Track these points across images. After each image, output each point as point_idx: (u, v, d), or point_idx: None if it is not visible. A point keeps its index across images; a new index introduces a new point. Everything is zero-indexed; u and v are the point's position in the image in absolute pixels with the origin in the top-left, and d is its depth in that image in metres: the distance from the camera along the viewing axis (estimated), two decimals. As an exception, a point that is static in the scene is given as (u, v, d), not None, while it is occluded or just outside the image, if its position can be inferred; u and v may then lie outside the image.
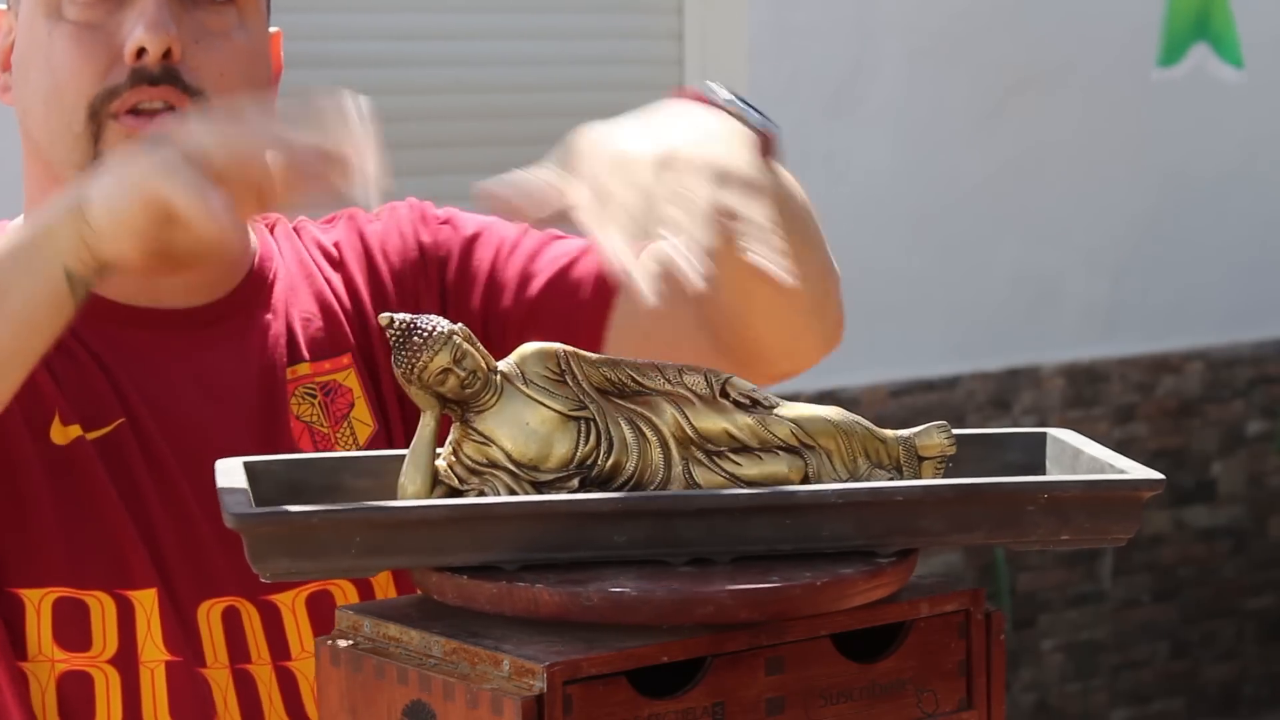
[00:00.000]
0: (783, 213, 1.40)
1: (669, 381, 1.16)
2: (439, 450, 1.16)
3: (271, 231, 1.62)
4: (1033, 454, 1.24)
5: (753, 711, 1.07)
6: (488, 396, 1.14)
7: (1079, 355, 4.99)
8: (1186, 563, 5.24)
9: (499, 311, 1.61)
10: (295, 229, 1.64)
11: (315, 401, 1.55)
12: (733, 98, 1.37)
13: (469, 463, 1.13)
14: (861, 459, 1.18)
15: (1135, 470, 1.16)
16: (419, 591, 1.14)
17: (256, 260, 1.58)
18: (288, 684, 1.49)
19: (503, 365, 1.15)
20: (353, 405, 1.56)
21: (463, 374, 1.13)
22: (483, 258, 1.63)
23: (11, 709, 1.43)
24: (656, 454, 1.15)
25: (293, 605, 1.49)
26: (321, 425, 1.54)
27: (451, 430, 1.15)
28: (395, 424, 1.57)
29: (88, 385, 1.49)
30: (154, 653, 1.45)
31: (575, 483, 1.13)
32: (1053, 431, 1.25)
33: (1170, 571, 5.21)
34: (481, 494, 1.13)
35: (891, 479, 1.18)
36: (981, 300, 4.81)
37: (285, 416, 1.53)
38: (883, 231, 4.55)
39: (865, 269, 4.46)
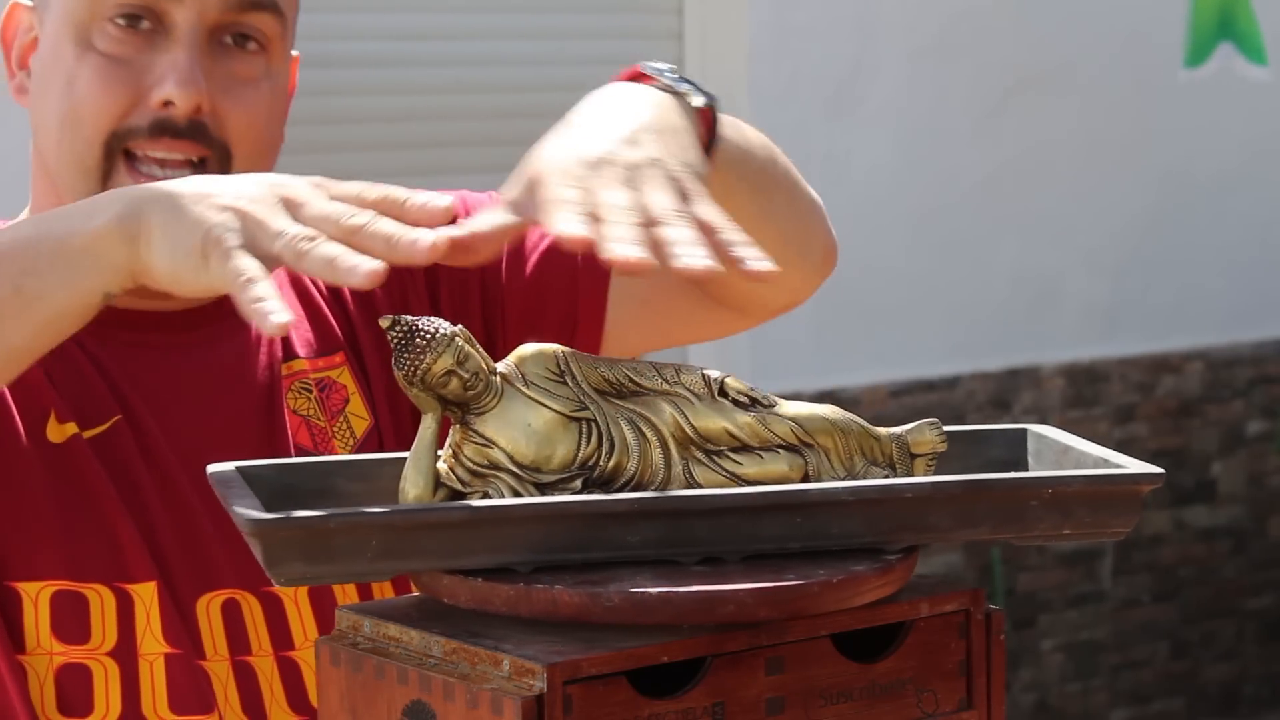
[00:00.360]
0: (742, 172, 1.43)
1: (666, 381, 1.16)
2: (438, 453, 1.16)
3: None
4: (1015, 450, 1.25)
5: (753, 711, 1.07)
6: (488, 398, 1.13)
7: (1079, 355, 4.99)
8: (1186, 563, 5.24)
9: (500, 288, 1.62)
10: None
11: (311, 396, 1.55)
12: (670, 75, 1.40)
13: (470, 465, 1.13)
14: (858, 456, 1.18)
15: (1134, 464, 1.17)
16: (415, 592, 1.14)
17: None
18: (290, 674, 1.49)
19: (501, 366, 1.15)
20: (347, 401, 1.57)
21: (466, 376, 1.12)
22: None
23: (14, 701, 1.43)
24: (657, 454, 1.15)
25: (295, 596, 1.49)
26: (319, 419, 1.55)
27: (451, 432, 1.15)
28: (385, 421, 1.57)
29: (84, 384, 1.49)
30: (153, 645, 1.45)
31: (578, 484, 1.13)
32: (1033, 428, 1.26)
33: (1170, 571, 5.21)
34: (485, 496, 1.12)
35: (887, 476, 1.18)
36: (981, 300, 4.81)
37: (282, 410, 1.54)
38: (883, 231, 4.55)
39: (865, 269, 4.46)
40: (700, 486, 1.15)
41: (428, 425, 1.14)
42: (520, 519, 1.09)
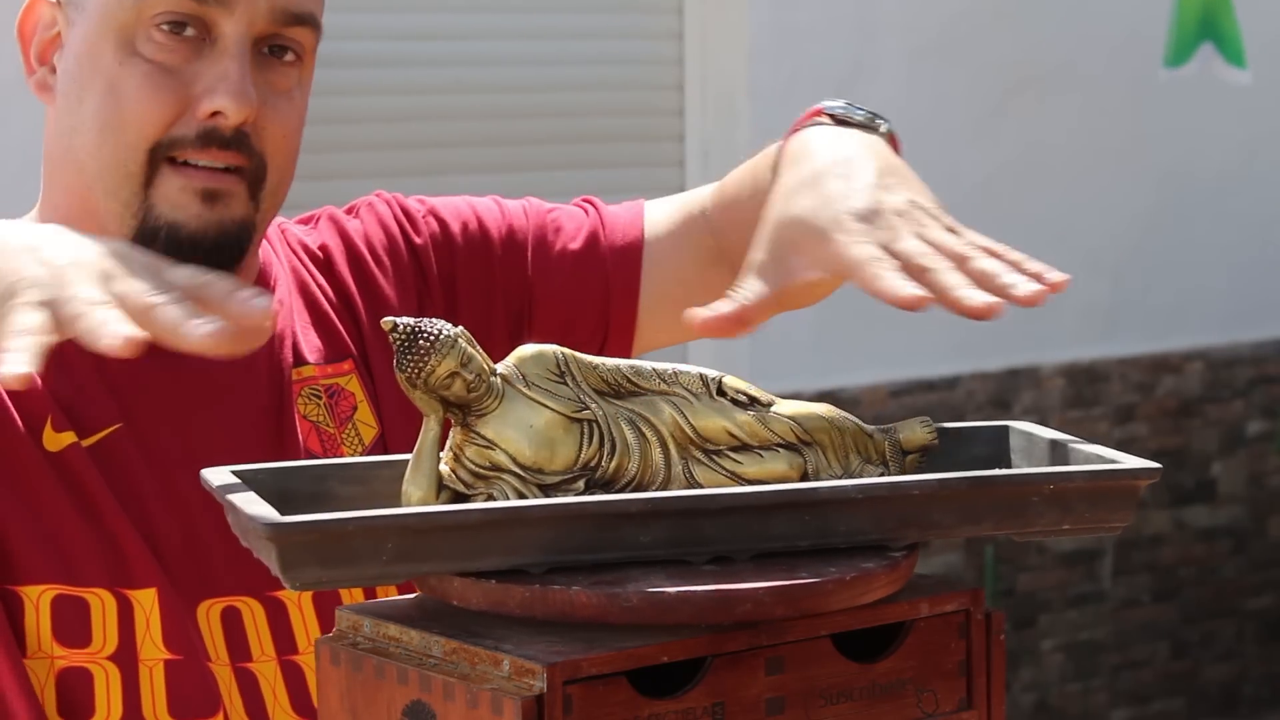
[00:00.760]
0: None
1: (664, 381, 1.16)
2: (439, 455, 1.15)
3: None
4: (997, 446, 1.26)
5: (753, 711, 1.07)
6: (490, 400, 1.13)
7: (1079, 355, 4.99)
8: (1186, 563, 5.24)
9: (528, 297, 1.63)
10: (280, 230, 1.64)
11: (320, 402, 1.55)
12: (851, 107, 1.46)
13: (473, 467, 1.13)
14: (853, 454, 1.19)
15: (1131, 460, 1.18)
16: (417, 592, 1.14)
17: (260, 265, 1.59)
18: (294, 678, 1.49)
19: (501, 368, 1.15)
20: (355, 408, 1.57)
21: (470, 377, 1.12)
22: (492, 241, 1.65)
23: (16, 705, 1.43)
24: (657, 454, 1.15)
25: (299, 601, 1.49)
26: (328, 425, 1.55)
27: (451, 434, 1.15)
28: (393, 430, 1.57)
29: (81, 393, 1.48)
30: (153, 651, 1.45)
31: (580, 485, 1.13)
32: (1015, 424, 1.27)
33: (1170, 571, 5.21)
34: (490, 498, 1.12)
35: (882, 474, 1.19)
36: (981, 300, 4.80)
37: (292, 416, 1.54)
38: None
39: (865, 269, 4.45)
40: (700, 486, 1.15)
41: (430, 427, 1.13)
42: (535, 520, 1.08)
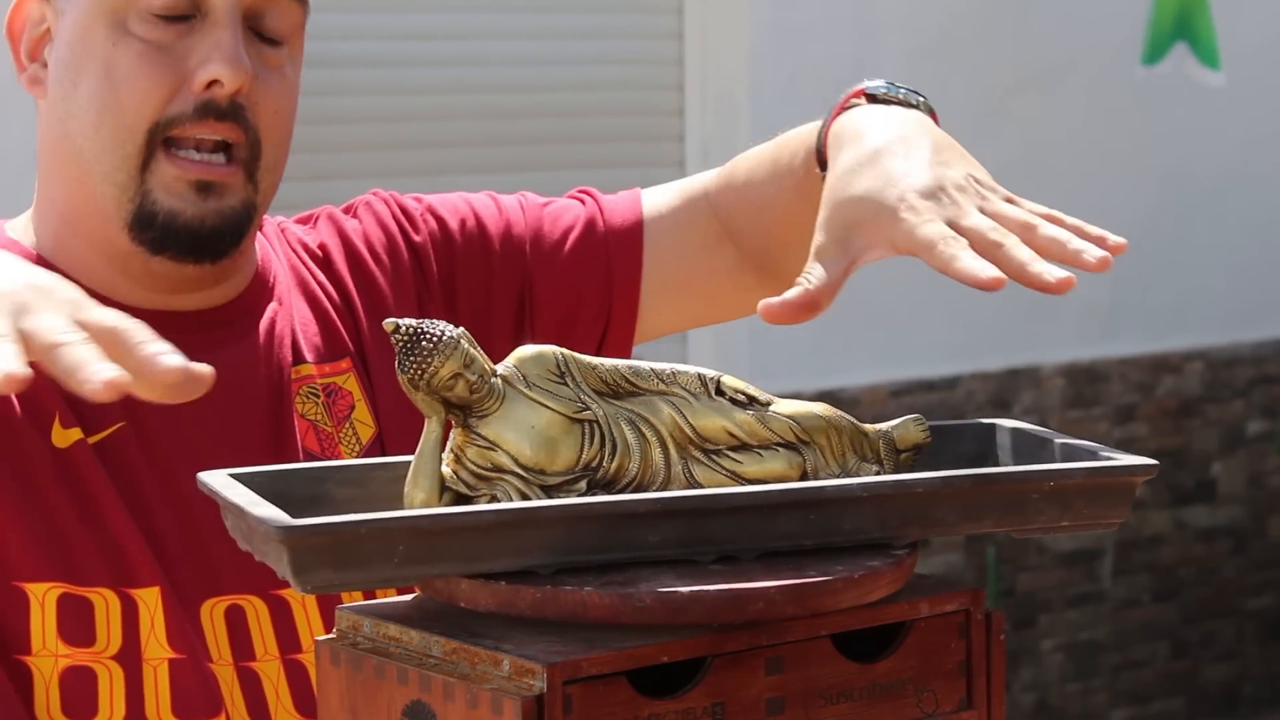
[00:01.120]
0: None
1: (663, 381, 1.16)
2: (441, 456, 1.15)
3: (261, 230, 1.63)
4: (984, 444, 1.27)
5: (753, 711, 1.07)
6: (491, 401, 1.13)
7: (1079, 355, 4.99)
8: (1186, 563, 5.24)
9: (529, 288, 1.63)
10: (280, 228, 1.64)
11: (319, 401, 1.56)
12: (892, 85, 1.49)
13: (474, 468, 1.13)
14: (850, 453, 1.19)
15: (1127, 457, 1.18)
16: (417, 593, 1.14)
17: (260, 262, 1.59)
18: (297, 676, 1.49)
19: (501, 368, 1.14)
20: (353, 408, 1.57)
21: (472, 378, 1.12)
22: (490, 238, 1.65)
23: (18, 703, 1.43)
24: (657, 454, 1.15)
25: (302, 600, 1.49)
26: (325, 424, 1.55)
27: (452, 436, 1.14)
28: (391, 430, 1.57)
29: None
30: (157, 650, 1.45)
31: (582, 485, 1.13)
32: (1001, 422, 1.28)
33: (1170, 571, 5.21)
34: (493, 499, 1.12)
35: (878, 472, 1.20)
36: (981, 300, 4.80)
37: (291, 414, 1.54)
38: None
39: (865, 269, 4.45)
40: (700, 486, 1.15)
41: (431, 429, 1.13)
42: (546, 521, 1.08)
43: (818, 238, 1.30)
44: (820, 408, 1.19)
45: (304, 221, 1.67)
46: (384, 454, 1.55)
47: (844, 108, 1.49)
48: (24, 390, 1.43)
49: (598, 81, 4.40)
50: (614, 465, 1.14)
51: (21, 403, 1.46)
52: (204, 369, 1.13)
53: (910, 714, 1.13)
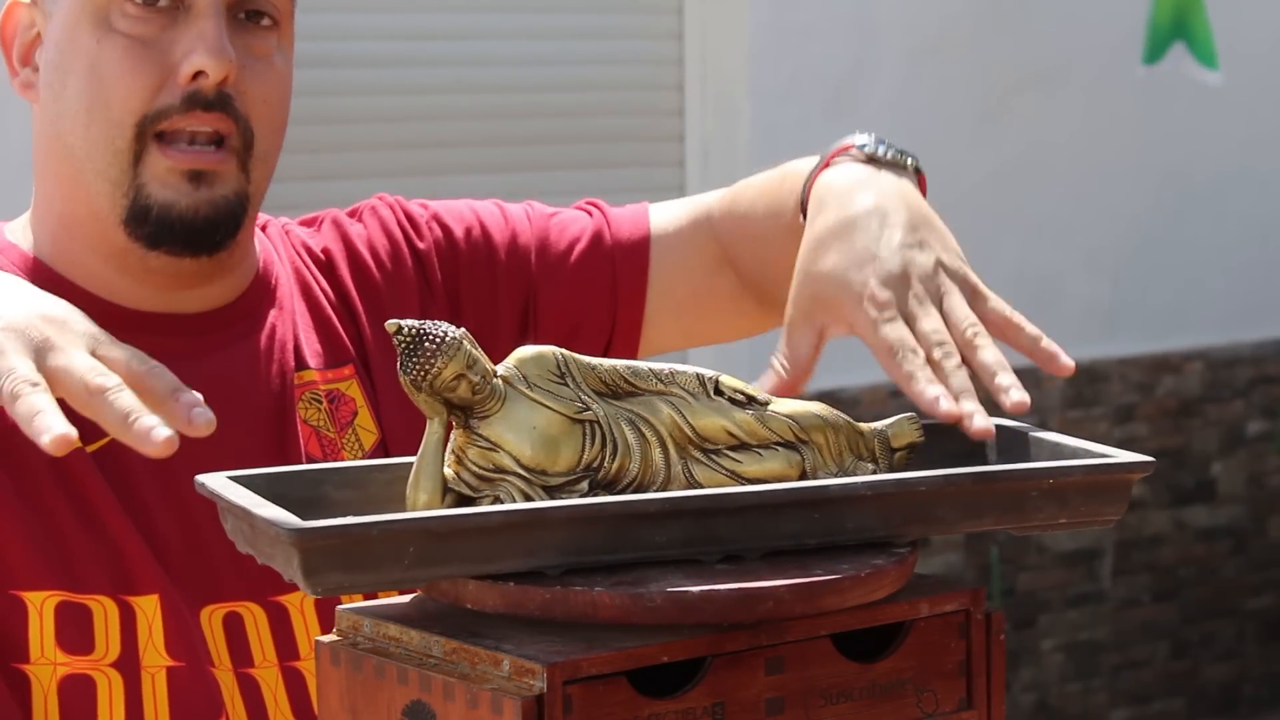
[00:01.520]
0: None
1: (661, 382, 1.16)
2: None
3: (265, 232, 1.62)
4: (971, 442, 1.27)
5: (753, 711, 1.07)
6: (493, 402, 1.13)
7: (1079, 355, 4.97)
8: (1186, 563, 5.24)
9: (534, 298, 1.63)
10: (284, 230, 1.64)
11: (321, 408, 1.55)
12: (881, 144, 1.49)
13: (476, 469, 1.13)
14: (847, 452, 1.20)
15: (1124, 454, 1.19)
16: (417, 594, 1.14)
17: (261, 264, 1.59)
18: (295, 684, 1.49)
19: (501, 369, 1.14)
20: (356, 414, 1.56)
21: (475, 379, 1.12)
22: (496, 246, 1.65)
23: (16, 712, 1.43)
24: (657, 454, 1.15)
25: (301, 606, 1.49)
26: (328, 430, 1.55)
27: (453, 437, 1.14)
28: (394, 435, 1.57)
29: None
30: (155, 658, 1.45)
31: (584, 485, 1.13)
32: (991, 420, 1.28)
33: (1170, 571, 5.21)
34: (497, 500, 1.12)
35: (874, 470, 1.20)
36: (981, 300, 4.80)
37: (294, 420, 1.53)
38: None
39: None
40: (700, 486, 1.15)
41: (433, 430, 1.13)
42: (556, 521, 1.08)
43: (789, 310, 1.37)
44: (817, 407, 1.20)
45: (308, 224, 1.66)
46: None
47: (830, 163, 1.50)
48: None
49: (598, 81, 4.40)
50: (615, 465, 1.14)
51: None
52: (210, 419, 1.16)
53: (910, 714, 1.13)
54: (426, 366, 1.11)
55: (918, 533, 1.15)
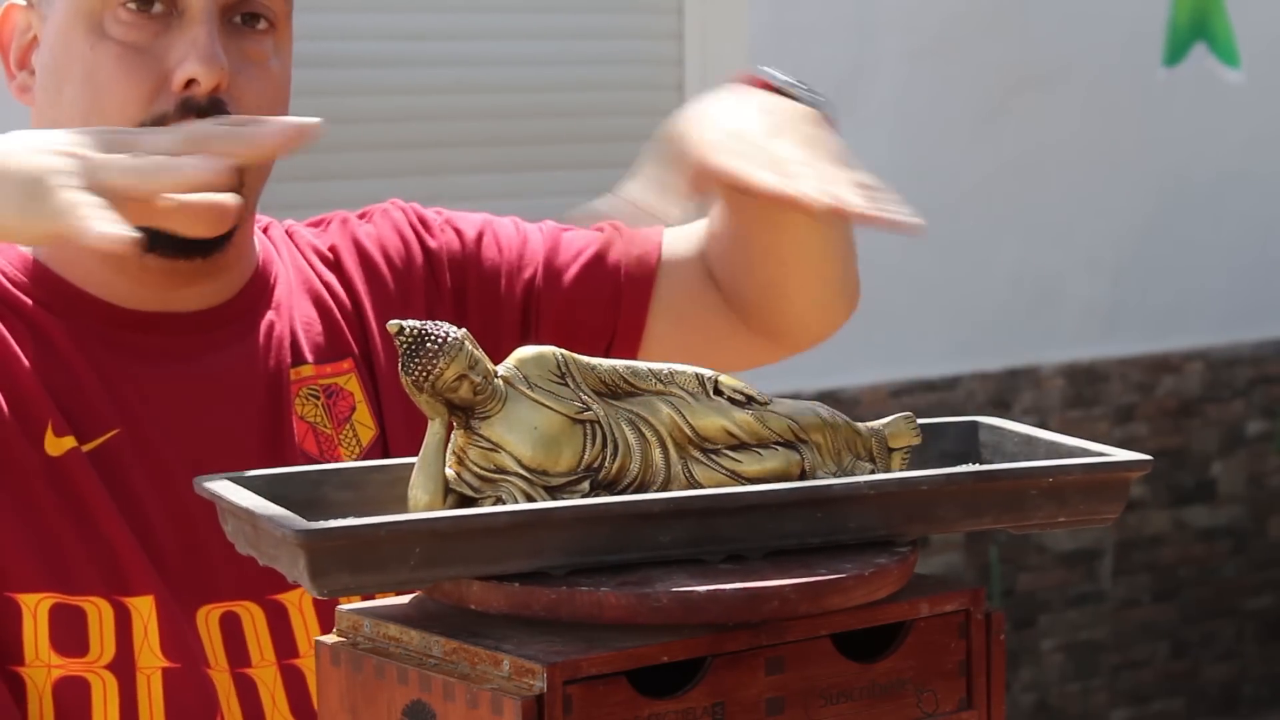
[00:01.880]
0: None
1: (660, 381, 1.16)
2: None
3: (267, 234, 1.63)
4: (966, 442, 1.28)
5: (753, 711, 1.07)
6: (493, 403, 1.13)
7: (1079, 355, 4.99)
8: (1186, 563, 5.23)
9: (536, 298, 1.63)
10: (288, 232, 1.64)
11: (319, 403, 1.55)
12: (791, 80, 1.46)
13: (477, 470, 1.13)
14: (845, 452, 1.20)
15: (1121, 453, 1.20)
16: (417, 594, 1.14)
17: (259, 263, 1.59)
18: (294, 682, 1.49)
19: (502, 369, 1.14)
20: (354, 409, 1.56)
21: (477, 380, 1.12)
22: (505, 253, 1.65)
23: (12, 714, 1.43)
24: (657, 454, 1.15)
25: (300, 604, 1.49)
26: (325, 426, 1.55)
27: (454, 437, 1.14)
28: (393, 431, 1.57)
29: (82, 395, 1.48)
30: (150, 659, 1.45)
31: (585, 486, 1.13)
32: (983, 420, 1.29)
33: (1170, 571, 5.21)
34: (498, 501, 1.12)
35: (872, 470, 1.20)
36: (981, 300, 4.81)
37: (289, 417, 1.53)
38: (882, 231, 4.54)
39: (865, 269, 4.44)
40: (701, 485, 1.15)
41: (435, 431, 1.13)
42: (562, 522, 1.08)
43: (650, 162, 1.37)
44: (817, 406, 1.20)
45: (315, 225, 1.67)
46: (385, 456, 1.54)
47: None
48: (18, 397, 1.43)
49: (598, 81, 4.40)
50: (615, 466, 1.14)
51: (13, 411, 1.45)
52: (311, 122, 1.25)
53: (910, 714, 1.13)
54: (428, 367, 1.11)
55: (919, 531, 1.15)
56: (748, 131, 1.31)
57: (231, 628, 1.48)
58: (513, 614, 1.07)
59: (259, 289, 1.57)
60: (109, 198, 1.16)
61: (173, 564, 1.46)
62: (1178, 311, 5.13)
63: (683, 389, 1.16)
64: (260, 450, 1.50)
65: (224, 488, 1.15)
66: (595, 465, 1.14)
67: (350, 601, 1.45)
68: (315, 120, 1.25)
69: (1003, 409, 4.82)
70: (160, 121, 1.46)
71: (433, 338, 1.11)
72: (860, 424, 1.21)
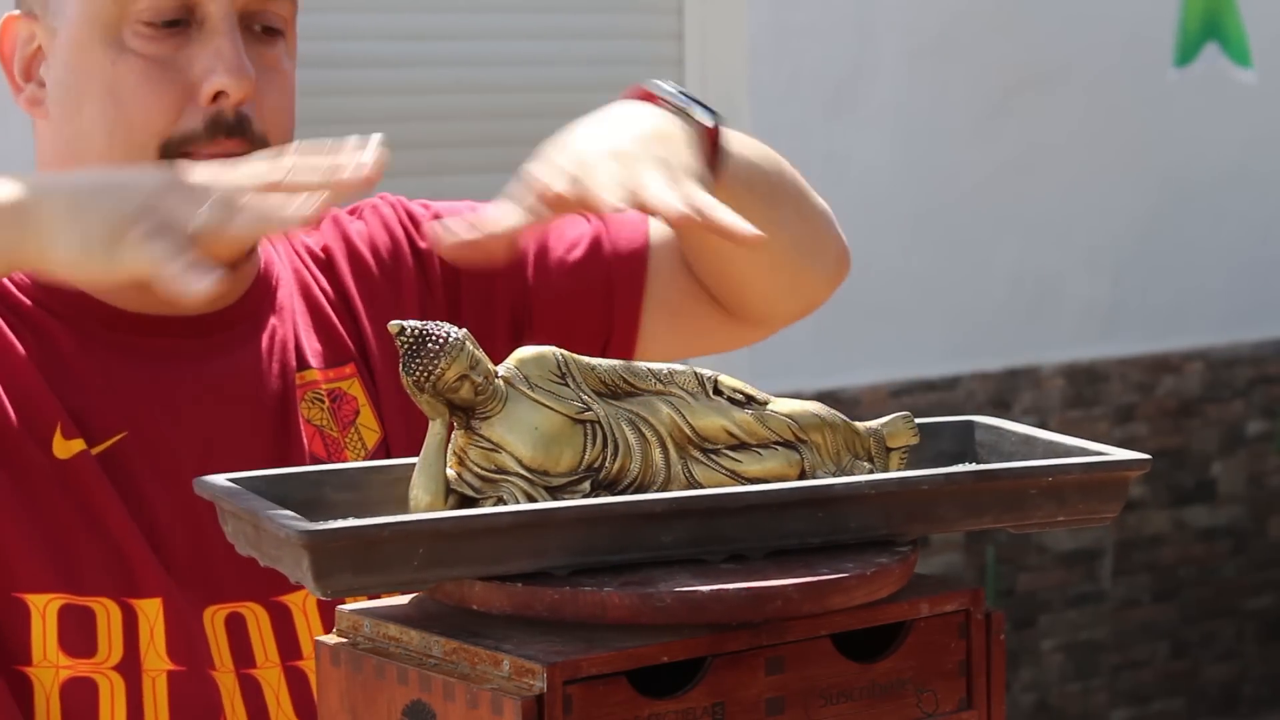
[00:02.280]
0: (750, 184, 1.49)
1: (660, 381, 1.16)
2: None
3: None
4: (963, 442, 1.28)
5: (753, 711, 1.07)
6: (494, 403, 1.13)
7: (1079, 355, 4.99)
8: (1186, 563, 5.24)
9: (528, 298, 1.63)
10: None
11: (324, 407, 1.55)
12: (676, 93, 1.44)
13: (478, 470, 1.13)
14: (844, 452, 1.20)
15: (1119, 452, 1.20)
16: (418, 594, 1.14)
17: (262, 265, 1.59)
18: (298, 683, 1.48)
19: (502, 370, 1.14)
20: (358, 413, 1.56)
21: (478, 380, 1.11)
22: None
23: (18, 714, 1.43)
24: (657, 454, 1.15)
25: (303, 605, 1.49)
26: (331, 430, 1.54)
27: (455, 438, 1.14)
28: (396, 434, 1.57)
29: (91, 398, 1.48)
30: (156, 662, 1.44)
31: (586, 486, 1.13)
32: (979, 419, 1.29)
33: (1170, 571, 5.21)
34: (500, 501, 1.12)
35: (871, 470, 1.20)
36: (981, 300, 4.81)
37: (296, 420, 1.53)
38: (882, 231, 4.55)
39: (865, 269, 4.45)
40: (701, 485, 1.15)
41: (435, 431, 1.13)
42: (565, 522, 1.08)
43: (511, 192, 1.34)
44: (816, 406, 1.20)
45: None
46: (389, 458, 1.54)
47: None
48: (28, 400, 1.44)
49: (598, 81, 4.39)
50: (616, 466, 1.14)
51: (22, 414, 1.45)
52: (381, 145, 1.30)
53: (910, 714, 1.13)
54: (429, 368, 1.11)
55: (919, 531, 1.15)
56: (592, 153, 1.31)
57: (237, 629, 1.47)
58: (516, 614, 1.07)
59: (263, 292, 1.57)
60: (190, 241, 1.21)
61: (181, 566, 1.46)
62: (1178, 311, 5.13)
63: (682, 389, 1.16)
64: (268, 453, 1.50)
65: (224, 488, 1.15)
66: (596, 465, 1.14)
67: (351, 602, 1.46)
68: (380, 138, 1.27)
69: (1003, 409, 4.82)
70: (189, 140, 1.45)
71: (434, 338, 1.11)
72: (859, 424, 1.22)
